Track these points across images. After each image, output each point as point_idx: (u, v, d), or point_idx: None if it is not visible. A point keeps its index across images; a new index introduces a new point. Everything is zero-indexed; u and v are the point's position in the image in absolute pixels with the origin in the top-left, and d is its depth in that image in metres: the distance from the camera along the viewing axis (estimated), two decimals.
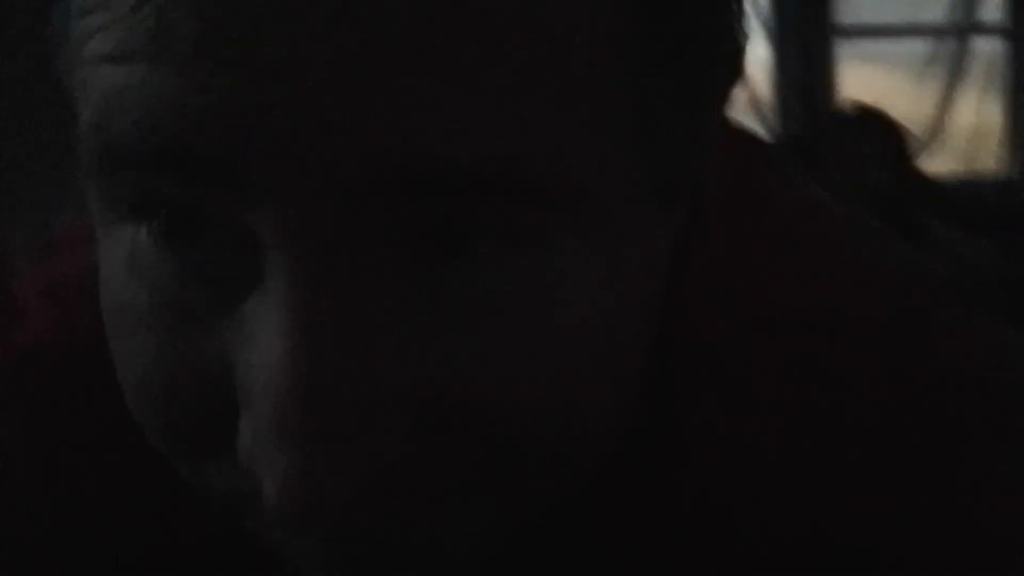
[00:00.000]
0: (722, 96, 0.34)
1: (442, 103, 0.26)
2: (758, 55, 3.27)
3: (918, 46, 3.51)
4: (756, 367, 0.36)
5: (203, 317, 0.29)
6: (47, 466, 0.40)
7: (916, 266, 0.41)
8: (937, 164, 3.05)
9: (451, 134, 0.26)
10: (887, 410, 0.35)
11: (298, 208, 0.26)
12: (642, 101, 0.29)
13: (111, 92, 0.27)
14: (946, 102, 3.44)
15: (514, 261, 0.28)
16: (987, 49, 3.51)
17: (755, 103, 3.25)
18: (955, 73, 3.45)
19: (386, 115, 0.25)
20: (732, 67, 0.33)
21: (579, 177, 0.28)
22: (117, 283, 0.30)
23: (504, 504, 0.31)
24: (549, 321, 0.29)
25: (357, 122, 0.25)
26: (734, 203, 0.39)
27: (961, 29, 3.44)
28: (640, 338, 0.33)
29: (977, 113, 3.51)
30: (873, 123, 2.44)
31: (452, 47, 0.26)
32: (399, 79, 0.25)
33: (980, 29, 3.50)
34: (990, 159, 3.52)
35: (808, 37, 3.33)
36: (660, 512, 0.36)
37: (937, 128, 3.36)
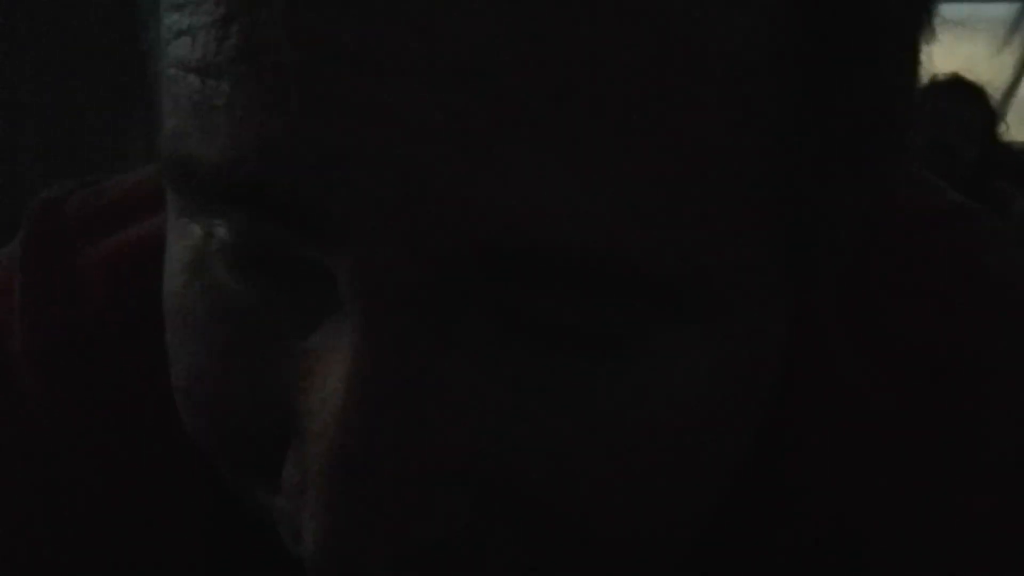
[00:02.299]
0: (879, 169, 0.29)
1: (558, 182, 0.23)
2: None
3: (1000, 10, 3.41)
4: (887, 409, 0.34)
5: (266, 334, 0.28)
6: (91, 443, 0.39)
7: None
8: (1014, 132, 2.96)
9: (562, 216, 0.23)
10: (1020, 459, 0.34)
11: (382, 263, 0.24)
12: (784, 183, 0.26)
13: (194, 107, 0.25)
14: None
15: (602, 348, 0.26)
16: None
17: None
18: None
19: (494, 185, 0.23)
20: (896, 137, 0.29)
21: (696, 270, 0.25)
22: (179, 283, 0.29)
23: None
24: (640, 420, 0.26)
25: (461, 186, 0.23)
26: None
27: None
28: (751, 424, 0.30)
29: None
30: (962, 91, 2.38)
31: (580, 123, 0.23)
32: (514, 149, 0.23)
33: None
34: None
35: None
36: (775, 560, 0.35)
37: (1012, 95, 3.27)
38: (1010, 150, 2.49)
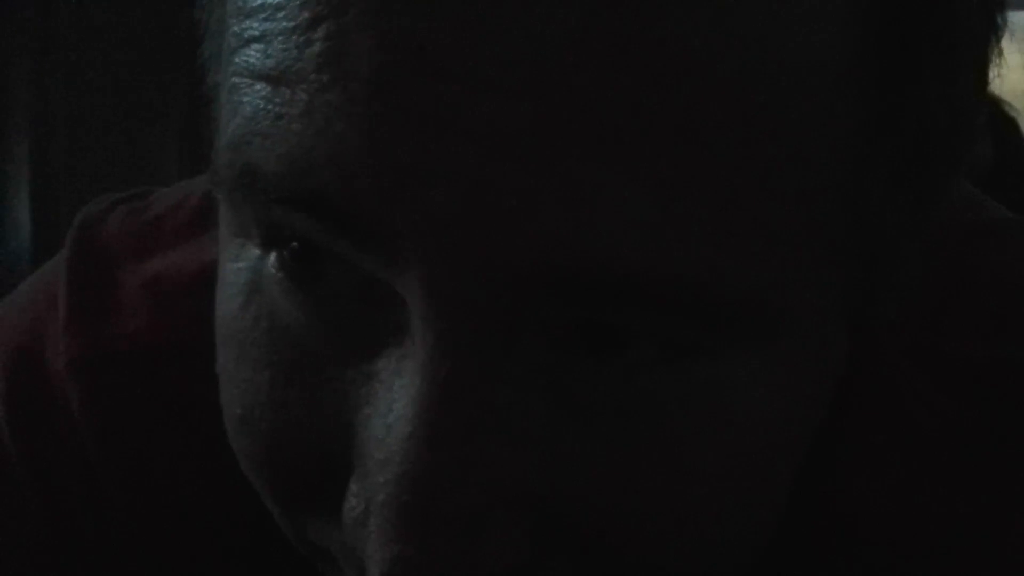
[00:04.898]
0: (944, 190, 0.29)
1: (633, 203, 0.23)
2: None
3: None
4: (944, 427, 0.34)
5: (325, 361, 0.27)
6: (128, 464, 0.40)
7: None
8: None
9: (637, 238, 0.23)
10: None
11: (454, 286, 0.24)
12: (852, 206, 0.26)
13: (263, 115, 0.24)
14: None
15: (673, 374, 0.26)
16: None
17: None
18: None
19: (569, 206, 0.23)
20: (961, 158, 0.29)
21: (766, 294, 0.25)
22: (235, 306, 0.29)
23: None
24: (704, 445, 0.26)
25: (537, 205, 0.23)
26: None
27: None
28: (805, 444, 0.30)
29: None
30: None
31: (658, 145, 0.23)
32: (590, 169, 0.23)
33: None
34: None
35: None
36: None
37: None
38: None
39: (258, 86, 0.25)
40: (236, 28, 0.26)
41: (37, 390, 0.40)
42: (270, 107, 0.24)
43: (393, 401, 0.25)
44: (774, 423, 0.27)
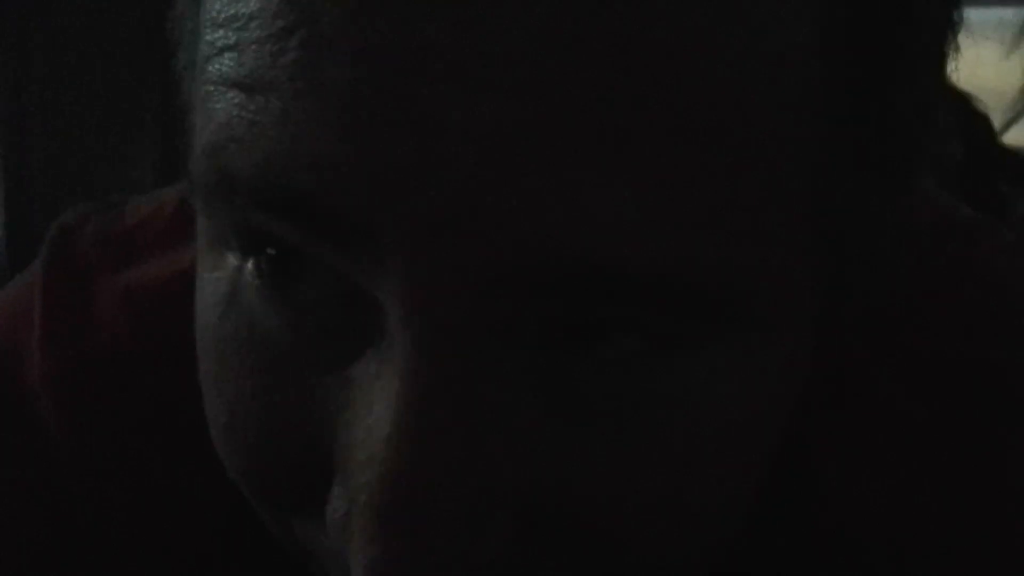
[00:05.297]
0: (914, 173, 0.30)
1: (619, 199, 0.23)
2: None
3: (1008, 14, 3.40)
4: (911, 419, 0.35)
5: (304, 368, 0.27)
6: (109, 472, 0.40)
7: None
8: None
9: (623, 233, 0.23)
10: None
11: (432, 285, 0.24)
12: (826, 197, 0.27)
13: (237, 123, 0.25)
14: None
15: (653, 365, 0.26)
16: None
17: None
18: None
19: (552, 203, 0.23)
20: (924, 151, 0.30)
21: (747, 281, 0.26)
22: (215, 315, 0.29)
23: None
24: (685, 433, 0.27)
25: (518, 204, 0.23)
26: None
27: None
28: (782, 425, 0.30)
29: None
30: (948, 97, 2.36)
31: (641, 141, 0.23)
32: (573, 166, 0.23)
33: None
34: None
35: None
36: (796, 566, 0.35)
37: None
38: (1013, 154, 2.47)
39: (231, 94, 0.25)
40: (209, 37, 0.26)
41: (12, 403, 0.40)
42: (244, 114, 0.24)
43: (373, 403, 0.25)
44: (752, 412, 0.28)
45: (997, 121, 2.48)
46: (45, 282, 0.42)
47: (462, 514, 0.25)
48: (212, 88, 0.26)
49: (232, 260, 0.28)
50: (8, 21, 2.03)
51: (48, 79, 2.07)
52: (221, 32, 0.25)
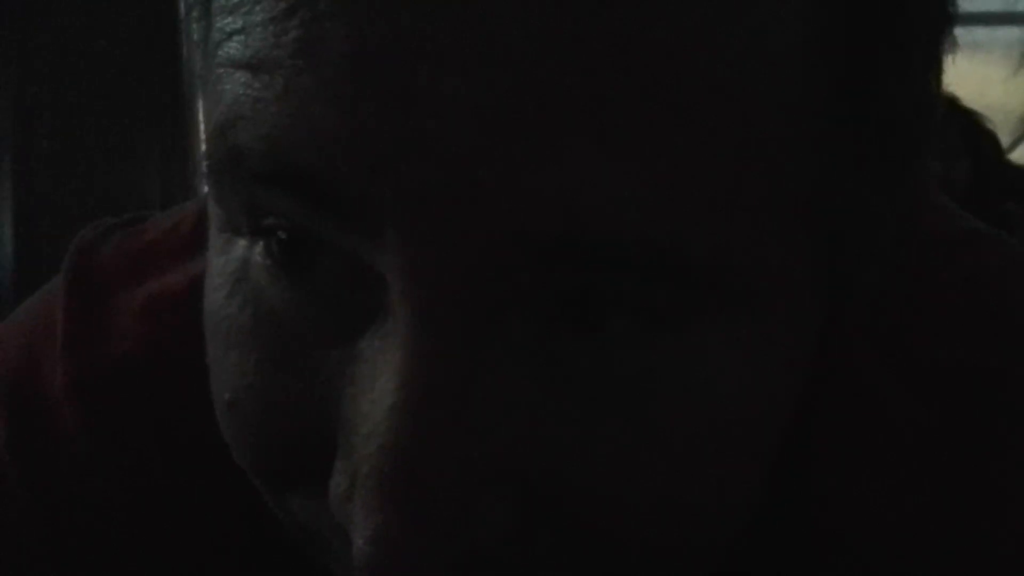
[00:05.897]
0: (913, 172, 0.30)
1: (614, 171, 0.23)
2: None
3: (1015, 33, 3.41)
4: (912, 424, 0.35)
5: (311, 344, 0.28)
6: (129, 478, 0.40)
7: None
8: None
9: (618, 205, 0.24)
10: None
11: (433, 258, 0.24)
12: (823, 182, 0.27)
13: (244, 100, 0.25)
14: None
15: (652, 343, 0.26)
16: None
17: None
18: None
19: (549, 175, 0.23)
20: (922, 147, 0.30)
21: (742, 262, 0.26)
22: (223, 295, 0.29)
23: None
24: (683, 422, 0.27)
25: (515, 176, 0.23)
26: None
27: None
28: (783, 422, 0.30)
29: None
30: (957, 116, 2.36)
31: (637, 113, 0.23)
32: (569, 138, 0.23)
33: None
34: None
35: None
36: (797, 568, 0.35)
37: None
38: (1020, 171, 2.46)
39: (238, 74, 0.26)
40: (219, 24, 0.27)
41: (35, 412, 0.41)
42: (250, 92, 0.25)
43: (376, 377, 0.26)
44: (752, 408, 0.28)
45: (1005, 139, 2.48)
46: (67, 295, 0.42)
47: (463, 485, 0.25)
48: (222, 71, 0.26)
49: (241, 243, 0.29)
50: (11, 21, 2.04)
51: (57, 91, 2.08)
52: (230, 18, 0.26)
